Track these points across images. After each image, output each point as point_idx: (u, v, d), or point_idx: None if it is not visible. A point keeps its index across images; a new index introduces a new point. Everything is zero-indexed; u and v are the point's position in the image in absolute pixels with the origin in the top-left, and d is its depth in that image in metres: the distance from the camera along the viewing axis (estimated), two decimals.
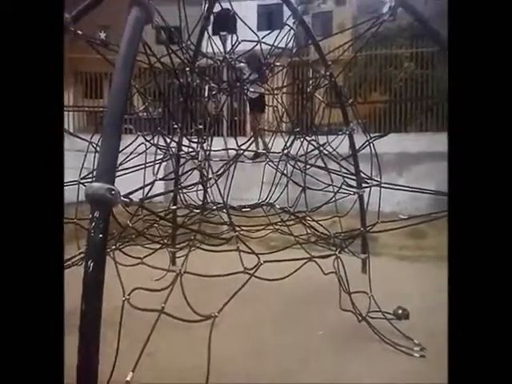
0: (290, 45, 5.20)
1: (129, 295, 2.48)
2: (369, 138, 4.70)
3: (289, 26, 5.11)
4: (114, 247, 3.41)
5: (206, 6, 5.16)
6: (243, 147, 5.32)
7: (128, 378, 2.22)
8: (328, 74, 5.14)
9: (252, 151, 5.77)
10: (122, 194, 2.03)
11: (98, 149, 4.21)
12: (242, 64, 5.80)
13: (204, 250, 3.72)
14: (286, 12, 5.74)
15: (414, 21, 3.78)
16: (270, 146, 5.82)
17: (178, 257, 4.67)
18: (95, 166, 2.19)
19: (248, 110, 6.54)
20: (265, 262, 3.02)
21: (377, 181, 4.55)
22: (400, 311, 4.38)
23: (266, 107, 6.42)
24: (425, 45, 11.48)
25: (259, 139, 6.22)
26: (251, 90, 5.87)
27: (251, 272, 2.93)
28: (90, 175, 4.23)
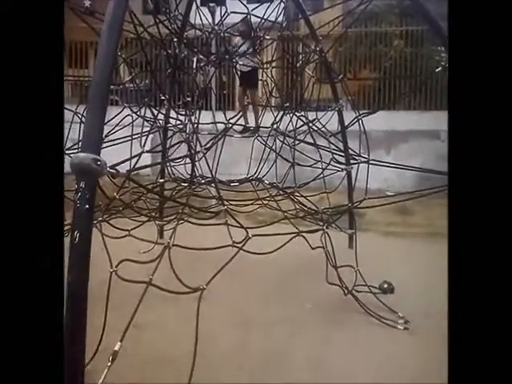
0: (280, 18, 5.12)
1: (116, 267, 2.46)
2: (358, 114, 4.70)
3: None
4: (100, 219, 3.38)
5: None
6: (232, 121, 5.27)
7: (116, 348, 2.22)
8: (318, 49, 5.09)
9: (241, 125, 5.72)
10: (108, 165, 2.00)
11: (83, 120, 4.13)
12: (234, 35, 5.69)
13: (192, 223, 3.71)
14: None
15: None
16: (259, 121, 5.77)
17: (166, 230, 4.65)
18: (81, 137, 2.14)
19: (238, 83, 6.40)
20: (253, 235, 3.02)
21: (365, 158, 4.57)
22: (385, 285, 4.45)
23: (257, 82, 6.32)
24: (414, 23, 11.37)
25: (249, 114, 6.16)
26: (240, 63, 5.77)
27: (239, 246, 2.93)
28: (76, 146, 4.16)
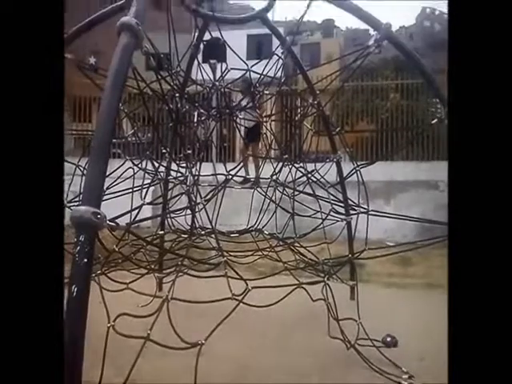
0: (279, 74, 5.30)
1: (114, 321, 2.42)
2: (356, 165, 4.76)
3: (277, 55, 5.21)
4: (99, 272, 3.35)
5: (196, 33, 5.24)
6: (232, 173, 5.34)
7: None
8: (316, 102, 5.23)
9: (241, 176, 5.79)
10: (108, 218, 2.02)
11: (85, 172, 4.19)
12: (234, 90, 5.87)
13: (191, 275, 3.67)
14: (275, 42, 5.86)
15: (400, 53, 3.88)
16: (259, 172, 5.85)
17: (165, 282, 4.59)
18: (82, 190, 2.17)
19: (242, 139, 6.54)
20: (253, 288, 2.99)
21: (364, 208, 4.58)
22: (389, 339, 4.34)
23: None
24: (409, 76, 11.77)
25: (251, 166, 6.26)
26: (240, 116, 5.93)
27: (239, 298, 2.89)
28: (77, 199, 4.19)
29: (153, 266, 4.65)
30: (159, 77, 4.36)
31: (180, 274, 3.49)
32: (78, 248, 1.80)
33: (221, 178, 5.42)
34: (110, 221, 2.02)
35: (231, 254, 4.23)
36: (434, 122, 3.91)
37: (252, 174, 6.08)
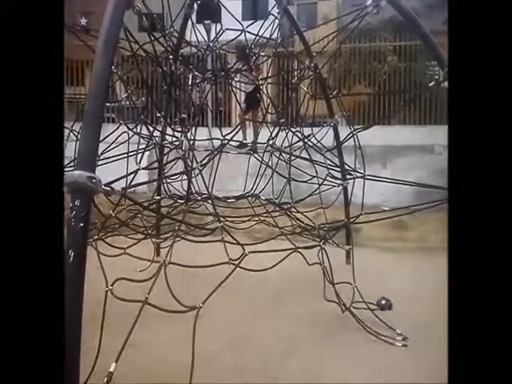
0: (275, 35, 5.17)
1: (112, 285, 2.43)
2: (353, 130, 4.72)
3: (273, 15, 5.07)
4: (96, 237, 3.35)
5: None
6: (228, 137, 5.28)
7: (111, 369, 2.18)
8: (313, 65, 5.13)
9: (237, 141, 5.73)
10: (104, 183, 1.99)
11: (78, 137, 4.13)
12: (229, 51, 5.74)
13: (188, 240, 3.68)
14: (271, 2, 5.69)
15: (398, 14, 3.76)
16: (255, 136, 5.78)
17: (162, 248, 4.62)
18: (76, 155, 2.13)
19: (239, 104, 6.40)
20: (250, 252, 3.00)
21: (361, 173, 4.57)
22: (383, 302, 4.41)
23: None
24: (408, 38, 11.52)
25: (248, 130, 6.17)
26: (236, 79, 5.81)
27: (236, 263, 2.91)
28: (71, 164, 4.15)
29: (150, 231, 4.66)
30: (152, 38, 4.23)
31: (177, 239, 3.49)
32: (74, 213, 1.78)
33: (217, 143, 5.37)
34: (105, 185, 1.99)
35: (228, 219, 4.24)
36: (431, 84, 3.84)
37: (249, 139, 6.01)
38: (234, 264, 2.92)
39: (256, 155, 5.61)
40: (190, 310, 2.59)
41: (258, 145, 5.72)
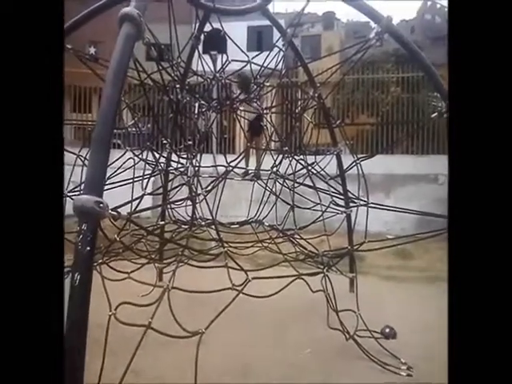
0: (280, 66, 5.28)
1: (115, 310, 2.43)
2: (356, 158, 4.76)
3: (278, 47, 5.19)
4: (100, 261, 3.36)
5: (197, 24, 5.22)
6: (232, 164, 5.35)
7: None
8: (317, 95, 5.23)
9: (241, 168, 5.80)
10: (110, 207, 2.02)
11: (85, 162, 4.20)
12: (235, 81, 5.85)
13: (192, 265, 3.69)
14: (276, 34, 5.84)
15: (400, 47, 3.87)
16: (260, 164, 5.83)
17: (166, 272, 4.61)
18: (83, 180, 2.16)
19: (243, 132, 6.51)
20: (253, 278, 3.01)
21: (364, 201, 4.60)
22: (387, 330, 4.37)
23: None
24: (410, 70, 11.73)
25: (252, 158, 6.25)
26: (241, 108, 5.91)
27: (239, 289, 2.91)
28: (77, 188, 4.20)
29: (153, 256, 4.67)
30: (160, 67, 4.34)
31: (180, 264, 3.50)
32: (81, 237, 1.81)
33: (221, 170, 5.43)
34: (111, 210, 2.03)
35: (231, 245, 4.25)
36: (434, 115, 3.91)
37: (252, 167, 6.08)
38: (237, 290, 2.92)
39: (260, 182, 5.66)
40: (193, 336, 2.59)
41: (263, 171, 5.78)
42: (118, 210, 2.25)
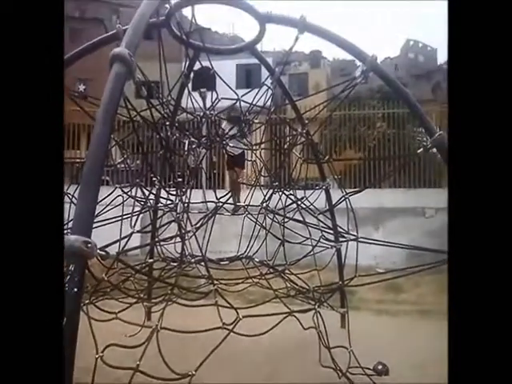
0: (268, 103, 5.39)
1: (102, 352, 2.37)
2: (345, 193, 4.80)
3: (267, 85, 5.31)
4: (87, 301, 3.29)
5: (187, 63, 5.33)
6: (222, 200, 5.35)
7: None
8: (305, 131, 5.32)
9: (230, 204, 5.81)
10: (98, 246, 2.00)
11: (73, 200, 4.17)
12: (224, 119, 5.94)
13: (181, 304, 3.63)
14: (264, 71, 5.98)
15: (385, 84, 3.97)
16: (248, 199, 5.85)
17: (154, 312, 4.53)
18: (71, 218, 2.14)
19: (227, 165, 6.62)
20: (243, 316, 2.96)
21: (353, 235, 4.60)
22: (380, 367, 4.29)
23: (246, 162, 6.57)
24: (395, 106, 12.02)
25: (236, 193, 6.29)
26: (231, 145, 5.99)
27: (230, 328, 2.86)
28: (65, 226, 4.15)
29: (142, 295, 4.59)
30: (150, 105, 4.40)
31: (169, 302, 3.44)
32: (68, 277, 1.78)
33: (210, 205, 5.43)
34: (100, 249, 2.01)
35: (221, 281, 4.20)
36: (420, 150, 3.97)
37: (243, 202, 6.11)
38: (227, 329, 2.87)
39: (250, 216, 5.66)
40: (183, 378, 2.52)
41: (252, 207, 5.79)
42: (106, 249, 2.23)
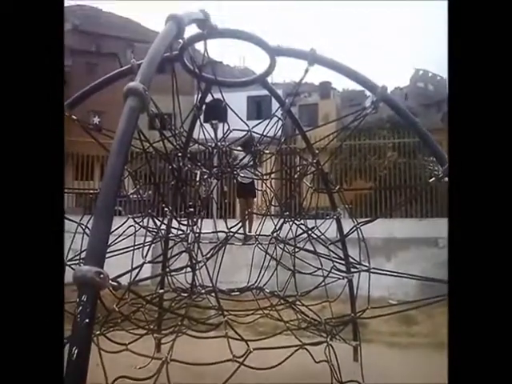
0: (279, 134, 5.45)
1: None
2: (356, 223, 4.77)
3: (277, 116, 5.39)
4: (98, 332, 3.28)
5: (199, 95, 5.44)
6: (233, 230, 5.36)
7: None
8: (315, 161, 5.35)
9: (241, 233, 5.81)
10: (110, 276, 2.01)
11: (86, 231, 4.21)
12: (235, 149, 6.01)
13: (191, 336, 3.60)
14: (274, 102, 6.08)
15: (395, 113, 4.00)
16: (259, 229, 5.85)
17: (164, 343, 4.48)
18: (83, 248, 2.16)
19: (237, 193, 6.68)
20: (254, 349, 2.93)
21: (365, 266, 4.55)
22: None
23: (256, 192, 6.61)
24: (406, 135, 12.05)
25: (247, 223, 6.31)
26: (242, 175, 6.05)
27: (240, 360, 2.83)
28: (77, 257, 4.18)
29: (152, 326, 4.56)
30: (163, 137, 4.48)
31: (179, 334, 3.42)
32: (80, 308, 1.78)
33: (221, 235, 5.44)
34: (112, 280, 2.02)
35: (231, 312, 4.17)
36: (431, 180, 3.97)
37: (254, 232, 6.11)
38: (238, 362, 2.83)
39: (260, 246, 5.65)
40: None
41: (263, 236, 5.78)
42: (118, 279, 2.24)
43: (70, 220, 4.68)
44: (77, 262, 4.06)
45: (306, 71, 3.88)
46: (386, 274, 4.42)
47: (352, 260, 5.11)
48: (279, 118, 5.34)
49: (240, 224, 6.12)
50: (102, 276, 1.85)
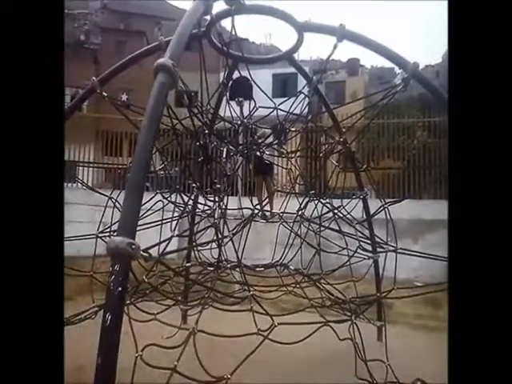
0: (305, 112, 5.39)
1: (142, 351, 2.43)
2: (384, 203, 4.72)
3: (304, 93, 5.32)
4: (128, 302, 3.38)
5: (226, 73, 5.42)
6: (258, 207, 5.39)
7: None
8: (342, 140, 5.29)
9: (266, 211, 5.83)
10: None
11: (116, 204, 4.31)
12: (261, 127, 5.98)
13: (217, 308, 3.67)
14: (300, 80, 6.00)
15: (426, 91, 3.90)
16: (283, 206, 5.86)
17: (189, 315, 4.59)
18: (114, 221, 2.21)
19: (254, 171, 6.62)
20: (279, 324, 2.97)
21: (392, 246, 4.51)
22: (419, 383, 4.17)
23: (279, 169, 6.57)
24: (436, 114, 11.75)
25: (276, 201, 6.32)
26: (267, 153, 6.03)
27: (265, 334, 2.87)
28: (107, 230, 4.29)
29: (179, 298, 4.67)
30: (191, 114, 4.50)
31: (205, 306, 3.49)
32: (113, 277, 1.84)
33: (246, 212, 5.48)
34: (143, 251, 2.07)
35: (256, 288, 4.22)
36: None
37: (275, 209, 6.12)
38: (262, 335, 2.88)
39: (285, 224, 5.67)
40: (218, 381, 2.55)
41: (288, 214, 5.79)
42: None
43: (101, 194, 4.80)
44: (107, 234, 4.17)
45: (335, 47, 3.81)
46: (413, 255, 4.38)
47: (378, 240, 5.08)
48: (306, 95, 5.27)
49: (264, 202, 6.13)
50: (133, 247, 1.91)
